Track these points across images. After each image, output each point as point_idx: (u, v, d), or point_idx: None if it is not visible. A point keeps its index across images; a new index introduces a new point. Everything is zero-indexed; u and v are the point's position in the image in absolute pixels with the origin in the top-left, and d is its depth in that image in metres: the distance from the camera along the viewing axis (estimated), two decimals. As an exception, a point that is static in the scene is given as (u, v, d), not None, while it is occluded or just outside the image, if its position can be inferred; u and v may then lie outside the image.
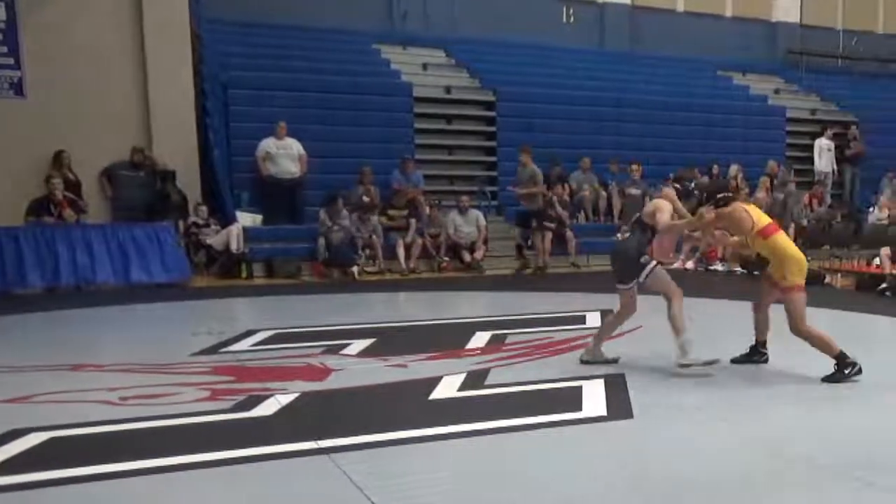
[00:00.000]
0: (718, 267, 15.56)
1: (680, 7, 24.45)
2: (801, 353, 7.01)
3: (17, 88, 14.24)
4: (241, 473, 4.61)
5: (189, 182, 15.03)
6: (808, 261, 13.27)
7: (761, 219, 6.88)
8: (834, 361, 6.62)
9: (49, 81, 14.17)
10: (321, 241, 14.31)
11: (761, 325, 7.21)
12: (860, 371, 6.59)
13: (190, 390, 6.30)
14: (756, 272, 14.71)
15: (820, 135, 20.85)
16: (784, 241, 6.92)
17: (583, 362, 7.20)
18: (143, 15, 14.94)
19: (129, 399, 6.03)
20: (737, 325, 6.85)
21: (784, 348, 7.31)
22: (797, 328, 6.68)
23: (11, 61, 14.19)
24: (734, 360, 7.16)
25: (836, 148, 20.72)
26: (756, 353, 7.25)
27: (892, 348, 9.29)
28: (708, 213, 7.00)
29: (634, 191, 16.93)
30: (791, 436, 5.41)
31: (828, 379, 6.57)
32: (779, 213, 15.56)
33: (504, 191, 17.71)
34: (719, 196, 7.05)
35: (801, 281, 6.71)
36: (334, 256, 14.30)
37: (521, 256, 15.85)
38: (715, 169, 18.92)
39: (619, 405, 5.95)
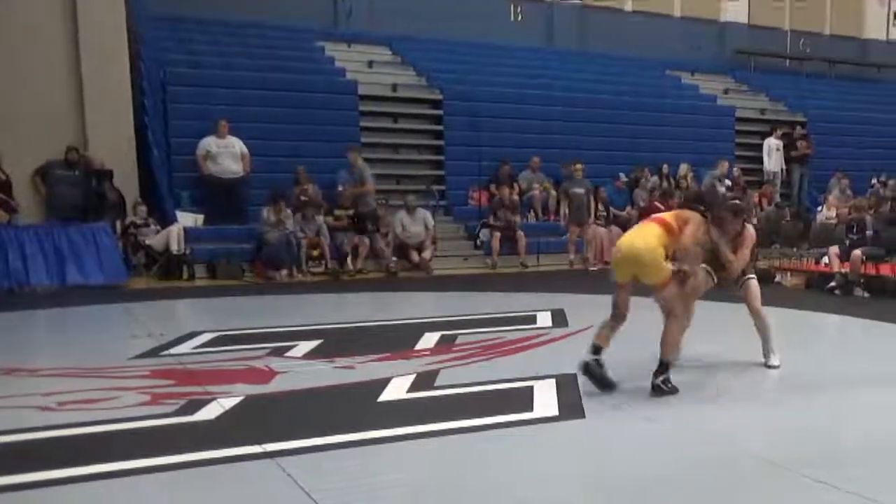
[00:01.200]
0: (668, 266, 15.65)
1: (628, 6, 24.67)
2: (756, 353, 7.12)
3: (-54, 86, 13.96)
4: (184, 479, 4.55)
5: (127, 181, 14.82)
6: (757, 259, 13.47)
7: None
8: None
9: (-22, 77, 13.91)
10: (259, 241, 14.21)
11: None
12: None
13: (129, 395, 6.21)
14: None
15: (769, 134, 21.18)
16: None
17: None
18: (78, 10, 14.69)
19: (66, 404, 5.92)
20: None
21: (737, 347, 7.41)
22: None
23: (-60, 57, 13.89)
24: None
25: (784, 147, 21.06)
26: None
27: (839, 346, 9.45)
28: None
29: (578, 190, 16.99)
30: (742, 434, 5.48)
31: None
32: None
33: (452, 190, 17.75)
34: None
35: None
36: (270, 257, 14.18)
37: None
38: (665, 168, 19.13)
39: (570, 405, 5.96)
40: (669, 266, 6.29)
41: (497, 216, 16.10)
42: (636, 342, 6.55)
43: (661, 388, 6.22)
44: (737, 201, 6.95)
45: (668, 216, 6.53)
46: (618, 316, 6.42)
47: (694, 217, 6.42)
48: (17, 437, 5.19)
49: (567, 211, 16.93)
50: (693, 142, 20.73)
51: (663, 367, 6.28)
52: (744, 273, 7.28)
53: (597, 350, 6.34)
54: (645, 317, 6.56)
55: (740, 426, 5.67)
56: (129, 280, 13.33)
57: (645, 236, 6.36)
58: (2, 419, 5.53)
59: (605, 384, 6.23)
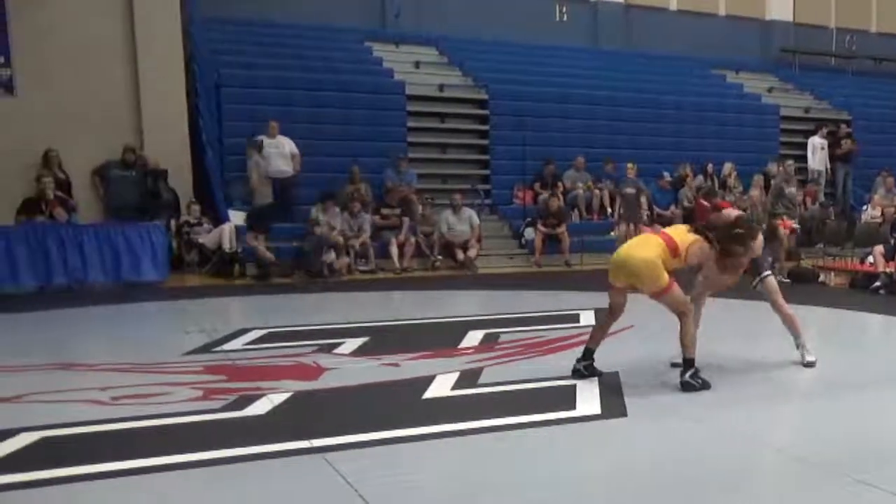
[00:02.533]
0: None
1: (673, 6, 24.48)
2: (793, 351, 7.04)
3: (8, 87, 14.23)
4: (234, 473, 4.60)
5: (181, 181, 15.03)
6: (801, 259, 13.29)
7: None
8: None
9: (40, 80, 14.15)
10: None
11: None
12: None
13: (182, 390, 6.29)
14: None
15: (813, 133, 20.89)
16: None
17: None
18: (135, 13, 14.93)
19: (120, 398, 6.01)
20: (726, 323, 6.80)
21: (776, 346, 7.34)
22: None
23: (2, 59, 14.16)
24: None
25: (828, 146, 20.77)
26: None
27: (882, 346, 9.30)
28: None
29: (630, 190, 16.97)
30: (783, 434, 5.44)
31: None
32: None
33: (497, 189, 17.76)
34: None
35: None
36: (301, 260, 14.27)
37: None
38: (709, 168, 18.98)
39: (613, 404, 5.94)
40: (666, 276, 6.28)
41: (546, 224, 16.06)
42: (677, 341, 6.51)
43: (692, 383, 6.24)
44: (739, 230, 6.60)
45: (675, 235, 6.53)
46: (611, 315, 6.77)
47: (699, 241, 6.49)
48: (74, 431, 5.28)
49: (620, 210, 16.96)
50: (737, 141, 20.55)
51: (688, 363, 6.31)
52: (759, 271, 7.22)
53: (588, 354, 6.72)
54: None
55: (781, 426, 5.63)
56: (179, 277, 13.50)
57: (646, 247, 6.45)
58: (59, 412, 5.63)
59: None
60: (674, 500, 4.34)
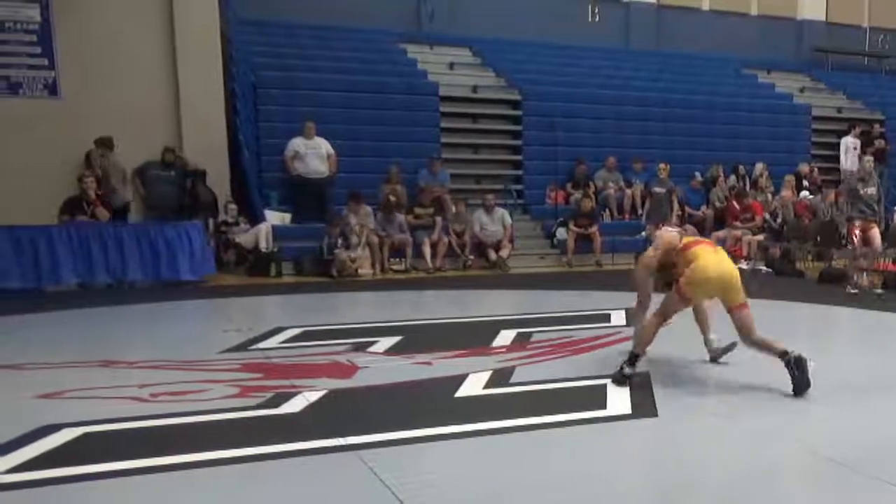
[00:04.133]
0: (743, 265, 15.44)
1: (705, 5, 24.31)
2: (824, 352, 6.97)
3: (52, 89, 14.37)
4: (269, 470, 4.63)
5: (219, 181, 15.13)
6: (832, 259, 13.05)
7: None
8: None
9: (82, 82, 14.29)
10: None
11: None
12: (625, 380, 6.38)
13: (219, 387, 6.33)
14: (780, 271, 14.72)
15: (846, 133, 20.67)
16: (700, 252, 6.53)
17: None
18: (174, 16, 15.03)
19: (159, 395, 6.07)
20: (758, 324, 6.73)
21: (806, 346, 7.27)
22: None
23: (46, 62, 14.31)
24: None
25: (861, 146, 20.53)
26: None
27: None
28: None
29: (659, 189, 16.89)
30: (817, 435, 5.38)
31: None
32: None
33: (530, 189, 17.73)
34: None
35: (688, 292, 6.40)
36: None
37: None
38: (740, 168, 18.84)
39: (643, 403, 5.92)
40: None
41: (578, 224, 16.02)
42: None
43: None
44: None
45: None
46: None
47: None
48: (114, 427, 5.34)
49: (647, 210, 16.89)
50: (769, 141, 20.36)
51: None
52: None
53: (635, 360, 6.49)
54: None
55: (814, 427, 5.57)
56: (216, 276, 13.61)
57: (728, 260, 6.59)
58: (100, 409, 5.70)
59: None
60: (703, 500, 4.32)
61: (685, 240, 6.67)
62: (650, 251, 6.89)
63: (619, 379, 6.34)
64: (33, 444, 4.93)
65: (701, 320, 7.16)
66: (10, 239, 11.96)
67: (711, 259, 6.41)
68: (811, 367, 6.14)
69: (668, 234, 6.82)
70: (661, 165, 17.25)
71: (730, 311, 6.37)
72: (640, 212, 17.50)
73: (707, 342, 7.21)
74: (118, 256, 12.47)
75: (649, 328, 6.48)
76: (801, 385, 6.04)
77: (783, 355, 6.15)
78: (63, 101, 14.34)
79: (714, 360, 7.18)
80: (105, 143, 13.95)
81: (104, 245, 12.41)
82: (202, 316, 10.50)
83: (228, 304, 11.18)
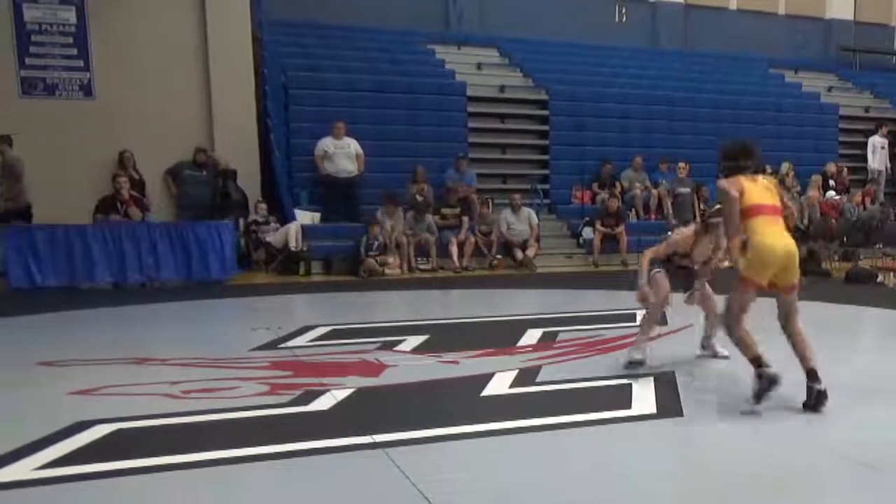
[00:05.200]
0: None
1: (733, 5, 24.18)
2: (852, 352, 6.91)
3: (87, 90, 14.54)
4: (299, 466, 4.66)
5: (249, 181, 15.23)
6: (859, 259, 12.85)
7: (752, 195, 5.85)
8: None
9: (116, 83, 14.45)
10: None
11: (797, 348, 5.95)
12: (773, 383, 5.65)
13: (249, 384, 6.38)
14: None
15: (873, 132, 20.47)
16: (757, 226, 5.77)
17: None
18: (207, 18, 15.15)
19: (191, 392, 6.13)
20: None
21: (828, 346, 7.23)
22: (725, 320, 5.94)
23: (81, 63, 14.48)
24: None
25: (889, 145, 20.34)
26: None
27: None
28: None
29: (683, 189, 16.81)
30: (841, 436, 5.32)
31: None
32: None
33: (556, 189, 17.70)
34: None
35: (754, 276, 5.72)
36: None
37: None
38: (767, 168, 18.68)
39: (668, 403, 5.90)
40: None
41: (604, 224, 15.97)
42: (727, 343, 6.42)
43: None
44: None
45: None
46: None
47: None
48: (147, 423, 5.39)
49: (673, 210, 16.82)
50: (796, 140, 20.22)
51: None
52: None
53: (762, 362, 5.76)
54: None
55: (839, 428, 5.49)
56: (246, 275, 13.69)
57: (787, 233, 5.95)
58: (132, 406, 5.76)
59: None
60: (727, 501, 4.31)
61: (748, 201, 5.77)
62: (660, 247, 7.05)
63: (769, 381, 5.61)
64: (67, 440, 4.99)
65: (709, 308, 7.16)
66: (47, 238, 12.12)
67: (771, 232, 5.75)
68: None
69: (680, 233, 6.73)
70: (681, 165, 17.17)
71: (783, 290, 5.83)
72: (665, 212, 17.42)
73: (707, 338, 7.32)
74: (151, 255, 12.59)
75: (741, 332, 5.73)
76: (811, 408, 5.72)
77: (810, 377, 5.73)
78: (98, 101, 14.50)
79: (703, 349, 7.35)
80: (3, 140, 13.30)
81: (137, 244, 12.55)
82: (232, 314, 10.57)
83: (258, 302, 11.25)
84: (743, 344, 5.76)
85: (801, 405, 5.70)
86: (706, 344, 7.35)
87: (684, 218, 16.29)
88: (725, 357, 7.05)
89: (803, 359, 5.81)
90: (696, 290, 7.16)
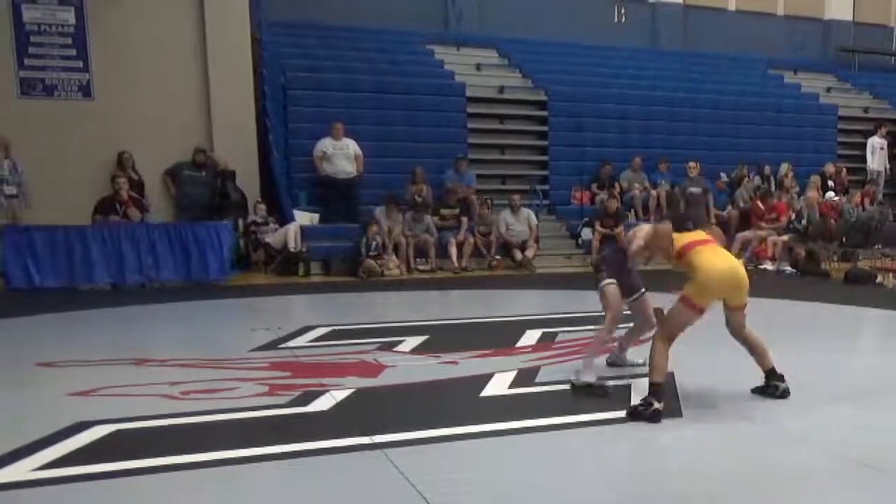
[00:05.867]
0: (768, 266, 15.37)
1: (732, 6, 24.19)
2: (852, 352, 6.91)
3: (86, 90, 14.53)
4: (297, 467, 4.67)
5: (248, 181, 15.22)
6: (858, 260, 12.84)
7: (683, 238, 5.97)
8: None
9: (115, 84, 14.44)
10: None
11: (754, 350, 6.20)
12: (654, 417, 5.50)
13: (248, 385, 6.39)
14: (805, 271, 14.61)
15: (872, 133, 20.48)
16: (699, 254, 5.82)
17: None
18: (206, 19, 15.13)
19: (190, 393, 6.14)
20: (785, 325, 6.69)
21: (826, 346, 7.23)
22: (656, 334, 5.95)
23: (80, 64, 14.47)
24: (753, 391, 6.20)
25: (888, 146, 20.35)
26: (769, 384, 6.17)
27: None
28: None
29: (695, 189, 16.76)
30: (841, 436, 5.32)
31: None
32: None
33: (555, 189, 17.71)
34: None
35: (697, 300, 5.71)
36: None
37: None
38: (766, 168, 18.72)
39: (667, 404, 5.86)
40: None
41: (604, 224, 15.95)
42: (726, 344, 6.43)
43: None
44: None
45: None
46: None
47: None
48: (146, 424, 5.40)
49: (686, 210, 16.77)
50: (795, 141, 20.23)
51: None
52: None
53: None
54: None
55: (838, 429, 5.49)
56: (245, 276, 13.69)
57: (732, 257, 6.14)
58: (132, 406, 5.76)
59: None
60: (728, 501, 4.31)
61: (683, 240, 5.91)
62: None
63: (651, 415, 5.50)
64: (66, 440, 5.00)
65: (645, 316, 6.78)
66: (46, 239, 12.12)
67: (716, 256, 5.82)
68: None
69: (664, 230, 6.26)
70: (692, 164, 17.13)
71: (731, 309, 5.97)
72: (665, 212, 17.41)
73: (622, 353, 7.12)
74: (150, 256, 12.58)
75: (660, 355, 5.66)
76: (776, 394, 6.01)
77: (770, 376, 6.06)
78: (96, 102, 14.49)
79: (610, 363, 7.09)
80: None
81: (136, 245, 12.52)
82: (232, 315, 10.56)
83: (257, 303, 11.25)
84: (655, 366, 5.65)
85: (800, 406, 5.71)
86: (621, 357, 7.14)
87: (699, 218, 16.21)
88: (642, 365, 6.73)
89: (759, 357, 6.10)
90: (641, 295, 6.89)
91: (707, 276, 5.69)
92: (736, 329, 6.10)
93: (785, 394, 6.04)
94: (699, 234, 6.07)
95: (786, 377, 6.12)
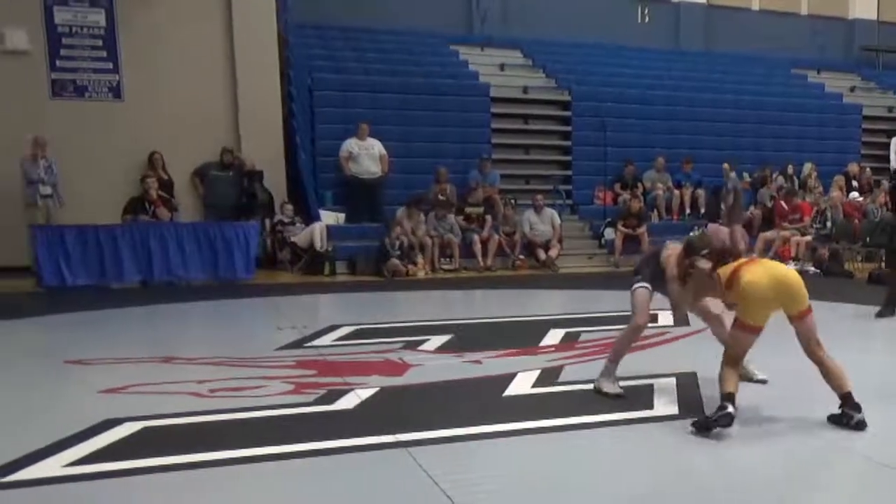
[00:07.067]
0: (791, 266, 15.21)
1: (755, 5, 24.02)
2: (877, 354, 6.84)
3: (116, 91, 14.65)
4: (323, 464, 4.67)
5: (275, 181, 15.30)
6: (882, 261, 12.49)
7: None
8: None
9: (145, 85, 14.55)
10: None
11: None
12: (727, 422, 5.20)
13: (275, 383, 6.40)
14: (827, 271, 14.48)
15: (896, 133, 20.28)
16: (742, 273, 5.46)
17: None
18: (234, 20, 15.23)
19: (217, 391, 6.15)
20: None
21: (853, 348, 7.15)
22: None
23: (110, 65, 14.59)
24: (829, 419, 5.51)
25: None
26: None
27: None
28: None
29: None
30: (868, 439, 5.25)
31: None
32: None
33: (578, 189, 17.66)
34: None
35: (750, 321, 5.41)
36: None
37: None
38: (789, 168, 18.58)
39: (690, 404, 5.83)
40: None
41: (626, 224, 15.90)
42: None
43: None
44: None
45: None
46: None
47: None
48: (174, 421, 5.42)
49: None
50: (818, 141, 20.08)
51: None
52: None
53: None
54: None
55: (865, 431, 5.43)
56: (272, 275, 13.73)
57: (777, 264, 5.84)
58: (160, 403, 5.79)
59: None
60: (749, 501, 4.27)
61: (728, 270, 5.52)
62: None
63: (723, 417, 5.19)
64: (96, 437, 5.02)
65: (716, 326, 6.41)
66: (78, 238, 12.23)
67: (757, 272, 5.44)
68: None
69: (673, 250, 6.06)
70: (726, 166, 17.09)
71: (793, 320, 5.49)
72: (688, 212, 17.34)
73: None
74: (178, 255, 12.66)
75: (728, 378, 5.37)
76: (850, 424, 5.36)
77: (845, 401, 5.40)
78: (126, 103, 14.59)
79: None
80: None
81: (165, 244, 12.61)
82: (258, 314, 10.61)
83: (284, 302, 11.29)
84: (725, 381, 5.37)
85: (826, 409, 5.59)
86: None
87: (739, 219, 15.99)
88: (762, 381, 6.53)
89: (836, 383, 5.46)
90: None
91: (752, 297, 5.40)
92: (807, 348, 5.52)
93: (860, 425, 5.31)
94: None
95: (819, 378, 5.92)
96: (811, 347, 5.49)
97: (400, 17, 19.85)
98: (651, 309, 6.40)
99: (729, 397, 5.29)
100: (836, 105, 21.58)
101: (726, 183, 17.15)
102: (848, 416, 5.36)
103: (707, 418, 5.28)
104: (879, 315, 9.88)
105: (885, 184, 17.23)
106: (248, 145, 15.21)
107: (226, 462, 4.65)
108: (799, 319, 5.46)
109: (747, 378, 6.63)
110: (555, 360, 7.31)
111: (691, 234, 6.01)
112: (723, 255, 5.67)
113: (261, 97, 15.35)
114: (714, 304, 6.20)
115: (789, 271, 5.67)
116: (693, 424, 5.28)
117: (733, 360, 5.49)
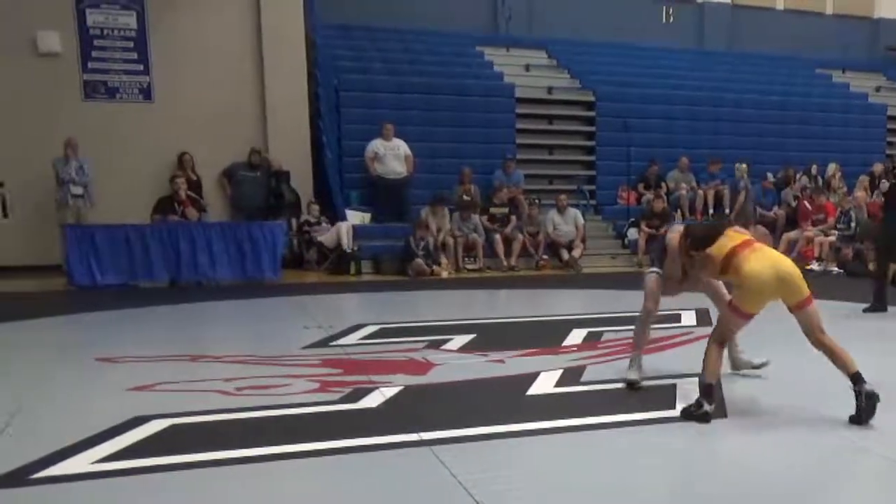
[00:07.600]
0: (814, 266, 15.13)
1: (780, 5, 23.86)
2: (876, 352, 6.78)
3: (146, 93, 14.76)
4: (348, 462, 4.69)
5: (302, 181, 15.37)
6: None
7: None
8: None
9: (174, 86, 14.66)
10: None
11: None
12: (704, 418, 5.37)
13: (300, 382, 6.42)
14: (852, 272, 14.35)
15: (922, 133, 20.09)
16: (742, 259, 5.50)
17: None
18: (262, 22, 15.32)
19: (244, 389, 6.18)
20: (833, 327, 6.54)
21: (870, 350, 7.09)
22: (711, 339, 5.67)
23: (141, 67, 14.71)
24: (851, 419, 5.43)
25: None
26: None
27: None
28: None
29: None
30: (883, 437, 5.21)
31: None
32: None
33: (602, 190, 17.61)
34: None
35: (744, 307, 5.50)
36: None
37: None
38: (813, 168, 18.44)
39: (716, 406, 5.81)
40: None
41: (649, 224, 15.84)
42: (776, 345, 6.34)
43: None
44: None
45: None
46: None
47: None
48: (201, 419, 5.45)
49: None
50: (842, 141, 19.91)
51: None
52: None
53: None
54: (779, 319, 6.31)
55: (877, 430, 5.38)
56: (298, 275, 13.78)
57: (779, 255, 5.80)
58: (188, 401, 5.83)
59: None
60: (771, 502, 4.25)
61: (729, 244, 5.59)
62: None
63: (700, 416, 5.39)
64: (124, 434, 5.06)
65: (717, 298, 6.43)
66: (108, 237, 12.32)
67: (759, 260, 5.47)
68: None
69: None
70: (743, 167, 17.02)
71: (794, 310, 5.52)
72: (711, 212, 17.24)
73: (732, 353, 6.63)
74: (206, 255, 12.72)
75: (714, 358, 5.51)
76: (862, 417, 5.36)
77: (855, 381, 5.38)
78: (157, 104, 14.71)
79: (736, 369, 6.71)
80: None
81: (193, 244, 12.68)
82: (285, 313, 10.64)
83: (310, 301, 11.32)
84: (708, 367, 5.50)
85: (849, 410, 5.55)
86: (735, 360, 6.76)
87: (748, 218, 15.96)
88: (758, 366, 6.64)
89: (842, 364, 5.46)
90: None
91: (750, 285, 5.43)
92: (811, 336, 5.53)
93: (872, 397, 5.29)
94: (737, 238, 5.70)
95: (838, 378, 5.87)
96: (815, 335, 5.53)
97: (426, 18, 19.87)
98: (676, 309, 6.38)
99: (708, 391, 5.44)
100: (861, 105, 21.40)
101: (738, 182, 17.09)
102: (858, 392, 5.35)
103: (688, 409, 5.48)
104: (869, 310, 9.98)
105: (885, 184, 17.09)
106: (276, 146, 15.29)
107: (252, 459, 4.67)
108: (799, 309, 5.51)
109: (748, 366, 6.67)
110: (577, 360, 7.30)
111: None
112: (704, 241, 5.69)
113: (288, 98, 15.42)
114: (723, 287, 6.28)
115: (790, 264, 5.66)
116: (680, 413, 5.51)
117: (721, 338, 5.64)
